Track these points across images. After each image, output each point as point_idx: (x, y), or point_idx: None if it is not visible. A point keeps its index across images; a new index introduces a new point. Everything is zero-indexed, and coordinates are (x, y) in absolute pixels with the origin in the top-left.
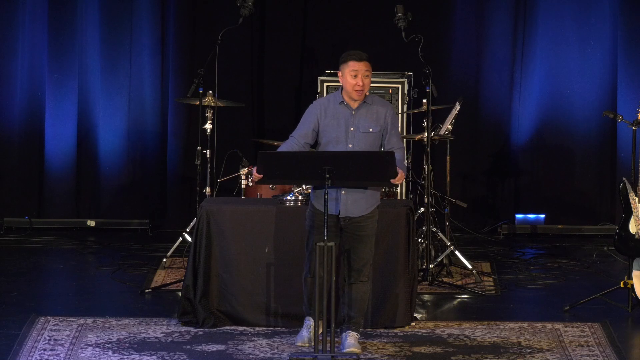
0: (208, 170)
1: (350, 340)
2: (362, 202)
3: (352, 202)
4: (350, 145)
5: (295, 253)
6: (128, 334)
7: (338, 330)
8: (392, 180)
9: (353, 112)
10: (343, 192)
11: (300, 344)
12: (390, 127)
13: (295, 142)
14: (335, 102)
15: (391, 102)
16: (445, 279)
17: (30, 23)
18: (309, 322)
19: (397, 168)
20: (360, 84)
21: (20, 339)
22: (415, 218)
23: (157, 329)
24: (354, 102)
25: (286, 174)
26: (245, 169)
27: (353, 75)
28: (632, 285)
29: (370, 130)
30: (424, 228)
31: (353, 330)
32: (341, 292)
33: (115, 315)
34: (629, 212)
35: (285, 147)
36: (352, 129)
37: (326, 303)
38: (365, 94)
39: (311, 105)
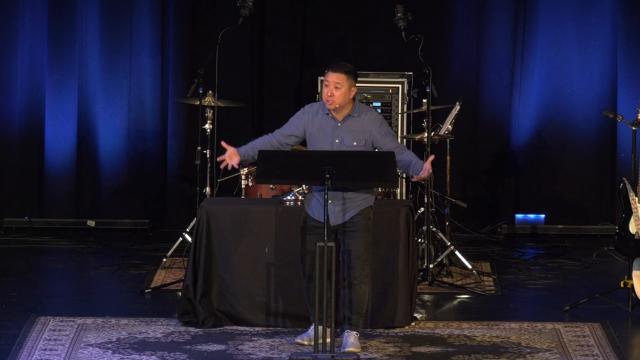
0: (208, 170)
1: (351, 340)
2: (347, 210)
3: (338, 212)
4: None
5: (295, 253)
6: (128, 334)
7: (338, 330)
8: (421, 175)
9: (339, 125)
10: (330, 201)
11: (299, 341)
12: (380, 137)
13: (274, 138)
14: (322, 112)
15: (391, 102)
16: (445, 279)
17: (30, 23)
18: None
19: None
20: (329, 94)
21: (20, 339)
22: (415, 218)
23: (157, 329)
24: (337, 113)
25: (286, 174)
26: (245, 169)
27: (325, 85)
28: (632, 285)
29: (355, 144)
30: (424, 228)
31: (353, 330)
32: (341, 293)
33: (115, 315)
34: (629, 212)
35: (259, 141)
36: (337, 141)
37: (326, 303)
38: (337, 105)
39: (301, 109)
